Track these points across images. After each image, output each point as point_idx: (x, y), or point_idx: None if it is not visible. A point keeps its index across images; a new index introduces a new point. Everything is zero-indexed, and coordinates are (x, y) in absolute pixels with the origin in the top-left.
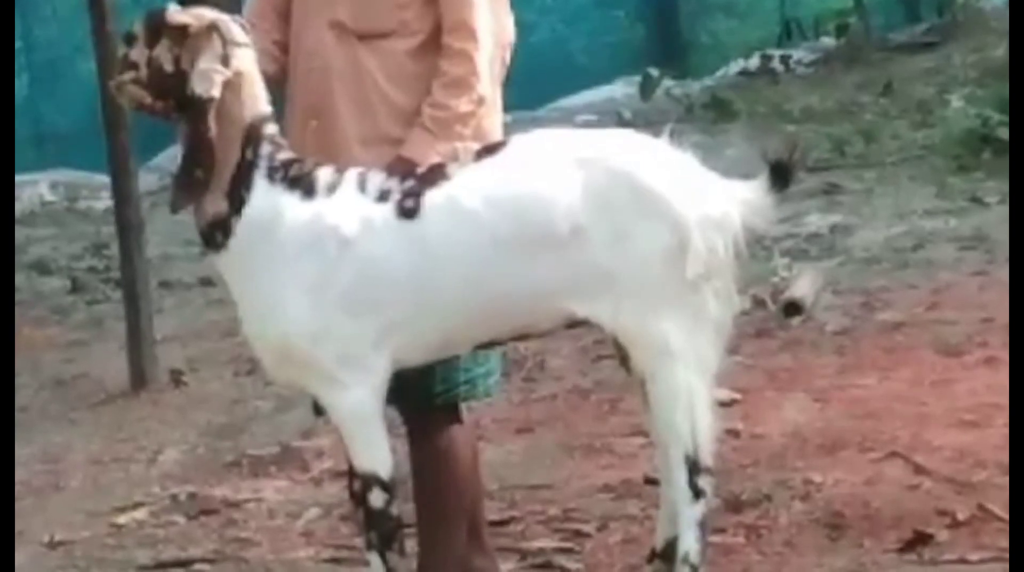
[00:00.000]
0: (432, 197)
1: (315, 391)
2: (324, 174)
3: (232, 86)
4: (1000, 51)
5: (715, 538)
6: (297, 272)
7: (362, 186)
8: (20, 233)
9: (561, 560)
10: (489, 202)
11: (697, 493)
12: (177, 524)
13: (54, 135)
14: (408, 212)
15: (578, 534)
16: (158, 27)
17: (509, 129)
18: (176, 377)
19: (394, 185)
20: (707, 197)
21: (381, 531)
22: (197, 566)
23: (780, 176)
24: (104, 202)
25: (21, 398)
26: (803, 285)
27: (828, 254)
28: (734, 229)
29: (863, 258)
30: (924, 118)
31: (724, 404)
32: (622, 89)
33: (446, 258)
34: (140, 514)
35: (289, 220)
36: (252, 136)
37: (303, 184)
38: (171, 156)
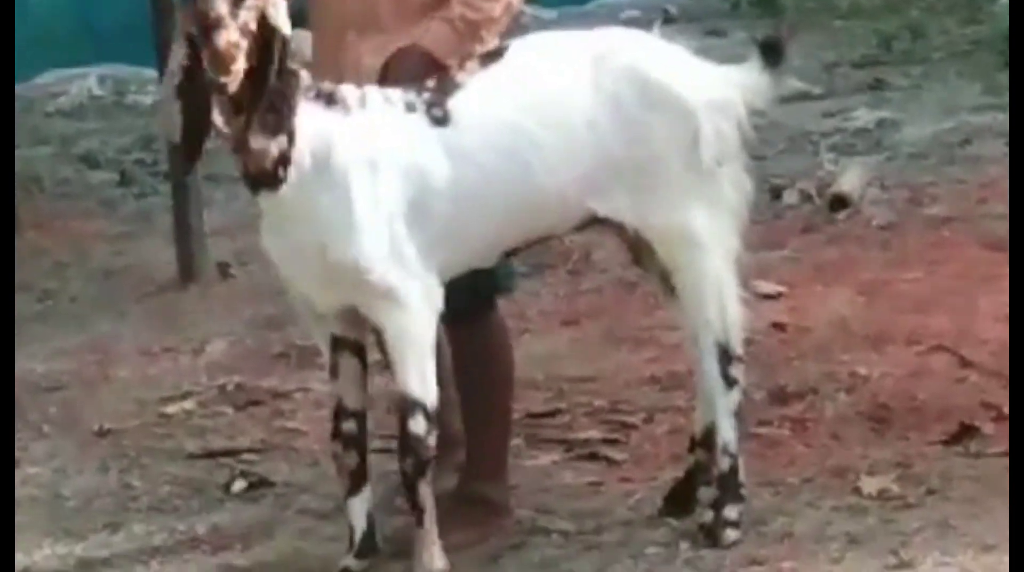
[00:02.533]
0: (454, 104)
1: (373, 313)
2: (349, 90)
3: None
4: None
5: (761, 430)
6: (358, 192)
7: (388, 99)
8: (70, 126)
9: (607, 451)
10: (510, 105)
11: (730, 383)
12: (225, 414)
13: (101, 29)
14: (439, 120)
15: (624, 425)
16: None
17: (556, 24)
18: (224, 270)
19: (414, 96)
20: (708, 84)
21: (417, 458)
22: (245, 455)
23: (772, 54)
24: (152, 96)
25: (71, 289)
26: (850, 179)
27: (875, 149)
28: (738, 112)
29: (910, 154)
30: (972, 14)
31: (770, 297)
32: None
33: (480, 163)
34: (188, 404)
35: (337, 140)
36: None
37: (337, 100)
38: None
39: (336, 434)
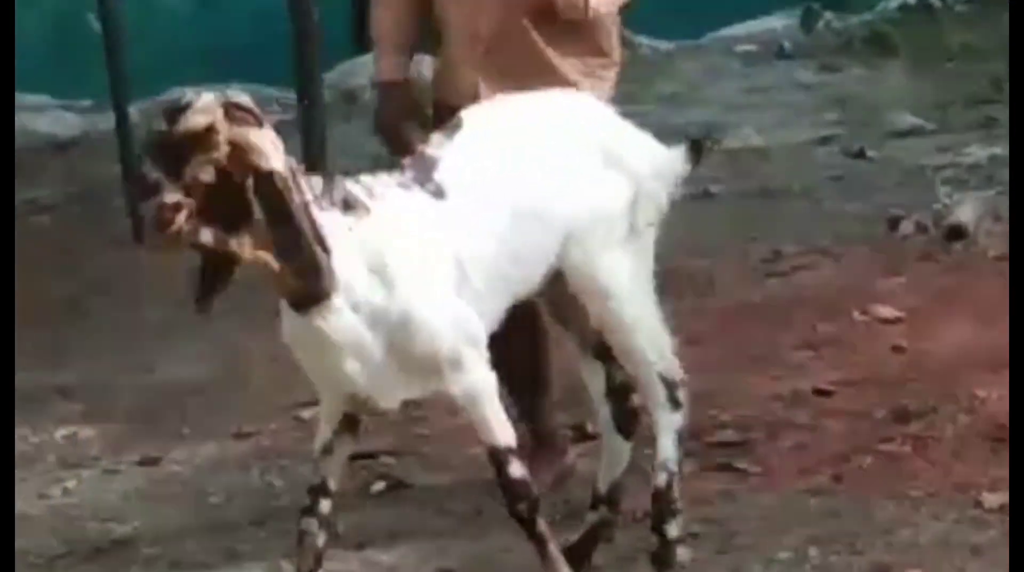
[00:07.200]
0: (441, 178)
1: (445, 387)
2: (352, 186)
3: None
4: None
5: (883, 447)
6: (415, 282)
7: (387, 184)
8: None
9: (739, 462)
10: (490, 172)
11: (676, 405)
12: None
13: (227, 48)
14: (438, 193)
15: (750, 441)
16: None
17: (673, 57)
18: None
19: (400, 177)
20: (651, 152)
21: (529, 500)
22: (383, 458)
23: (695, 152)
24: (277, 115)
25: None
26: (965, 211)
27: (987, 184)
28: (673, 181)
29: None
30: None
31: (889, 321)
32: (783, 20)
33: (481, 232)
34: None
35: (378, 239)
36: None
37: (351, 203)
38: (343, 71)
39: (311, 511)
